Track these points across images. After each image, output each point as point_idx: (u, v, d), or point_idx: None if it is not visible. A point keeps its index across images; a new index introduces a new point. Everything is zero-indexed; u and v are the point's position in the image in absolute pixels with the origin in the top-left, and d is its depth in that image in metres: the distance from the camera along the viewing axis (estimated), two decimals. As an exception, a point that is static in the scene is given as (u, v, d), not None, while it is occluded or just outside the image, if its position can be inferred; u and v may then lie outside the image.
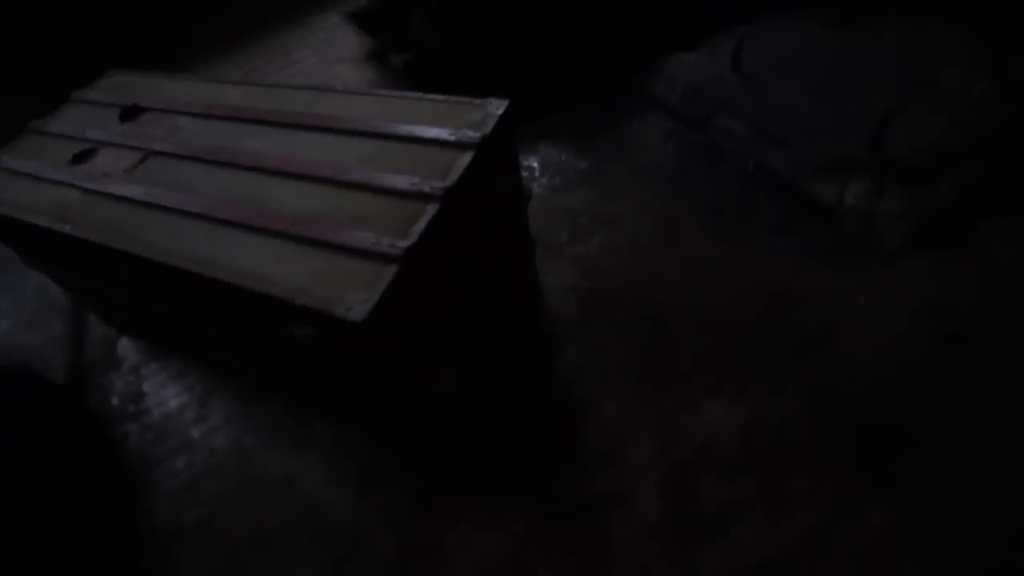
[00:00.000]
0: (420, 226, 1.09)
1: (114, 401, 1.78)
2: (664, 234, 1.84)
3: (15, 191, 1.44)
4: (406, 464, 1.52)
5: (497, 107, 1.28)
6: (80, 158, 1.48)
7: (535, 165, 2.14)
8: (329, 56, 2.93)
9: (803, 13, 2.30)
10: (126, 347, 1.90)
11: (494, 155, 1.27)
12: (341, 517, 1.47)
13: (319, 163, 1.26)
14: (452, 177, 1.15)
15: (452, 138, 1.22)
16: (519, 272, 1.66)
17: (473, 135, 1.21)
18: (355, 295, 1.01)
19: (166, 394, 1.78)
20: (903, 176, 1.76)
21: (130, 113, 1.59)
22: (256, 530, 1.48)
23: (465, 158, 1.19)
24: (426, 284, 1.15)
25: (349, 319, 0.98)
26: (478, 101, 1.30)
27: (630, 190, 1.98)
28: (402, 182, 1.16)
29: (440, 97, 1.35)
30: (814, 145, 1.87)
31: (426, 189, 1.13)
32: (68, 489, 1.56)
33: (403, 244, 1.05)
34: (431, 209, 1.11)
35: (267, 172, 1.28)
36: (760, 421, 1.44)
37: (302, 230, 1.13)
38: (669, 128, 2.14)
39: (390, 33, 2.81)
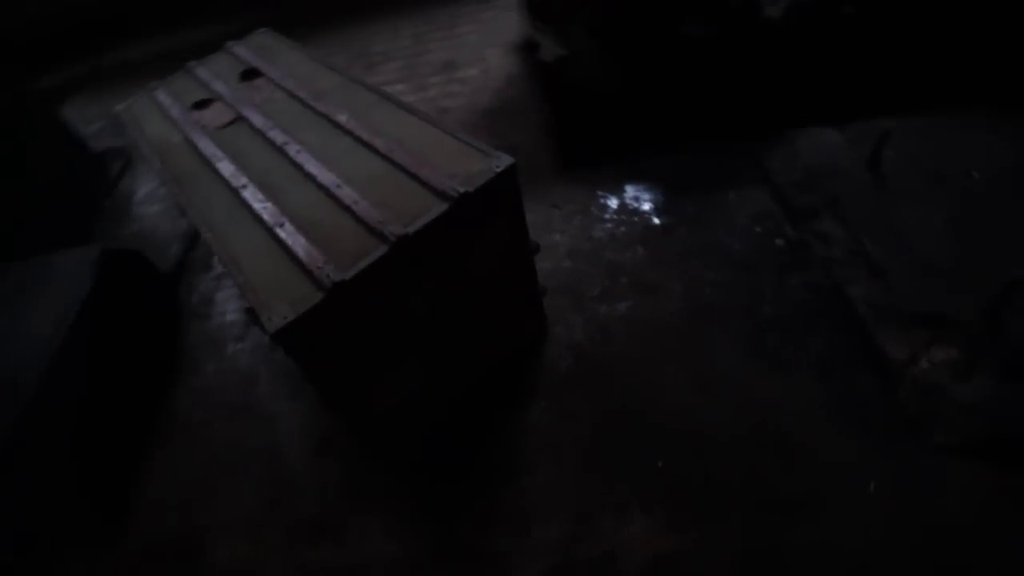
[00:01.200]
0: (361, 265, 1.16)
1: (193, 299, 2.17)
2: (695, 326, 1.69)
3: (150, 122, 1.79)
4: (352, 446, 1.67)
5: (499, 164, 1.27)
6: (198, 105, 1.78)
7: (610, 205, 2.06)
8: (488, 36, 3.03)
9: (978, 114, 1.84)
10: (220, 257, 2.30)
11: (481, 208, 1.28)
12: (293, 466, 1.68)
13: (330, 171, 1.37)
14: (414, 225, 1.20)
15: (438, 186, 1.25)
16: (511, 316, 1.66)
17: (456, 189, 1.23)
18: (280, 308, 1.13)
19: (228, 307, 2.12)
20: (1008, 365, 1.40)
21: (247, 75, 1.85)
22: (232, 447, 1.75)
23: (437, 209, 1.22)
24: (366, 314, 1.24)
25: (266, 327, 1.11)
26: (490, 153, 1.31)
27: (686, 265, 1.83)
28: (373, 216, 1.23)
29: (464, 137, 1.38)
30: (915, 287, 1.55)
31: (385, 231, 1.19)
32: (139, 354, 1.96)
33: (336, 278, 1.14)
34: (379, 251, 1.18)
35: (292, 166, 1.43)
36: (677, 560, 1.33)
37: (280, 232, 1.27)
38: (765, 210, 1.91)
39: (552, 27, 2.81)
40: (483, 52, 2.94)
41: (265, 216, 1.32)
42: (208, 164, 1.53)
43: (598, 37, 2.42)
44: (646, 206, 2.03)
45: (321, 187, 1.35)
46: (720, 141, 2.13)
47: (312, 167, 1.40)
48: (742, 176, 2.01)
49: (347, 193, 1.30)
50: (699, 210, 1.97)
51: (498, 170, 1.26)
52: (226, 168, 1.48)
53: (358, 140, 1.44)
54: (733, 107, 2.17)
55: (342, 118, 1.52)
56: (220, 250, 1.29)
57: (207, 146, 1.58)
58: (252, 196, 1.38)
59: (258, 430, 1.77)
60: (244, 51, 1.97)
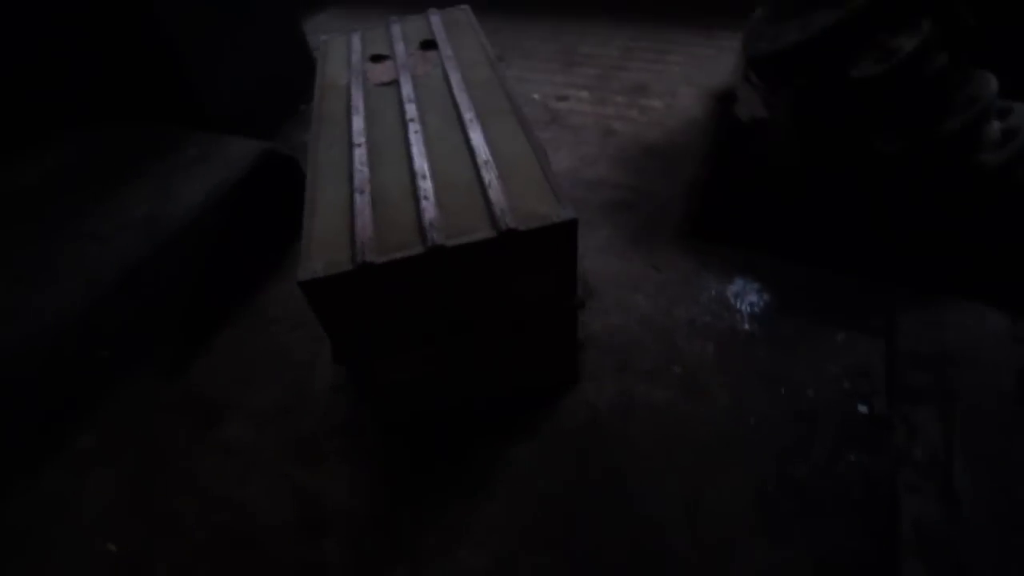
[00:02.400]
0: (394, 256, 1.24)
1: (321, 214, 2.46)
2: (719, 450, 1.55)
3: (333, 60, 2.02)
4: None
5: (559, 216, 1.27)
6: (375, 59, 1.98)
7: (710, 290, 1.93)
8: (693, 73, 2.91)
9: None
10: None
11: (528, 250, 1.30)
12: (315, 387, 1.87)
13: (426, 160, 1.46)
14: (454, 240, 1.24)
15: (496, 214, 1.27)
16: (539, 356, 1.65)
17: (506, 223, 1.25)
18: (316, 263, 1.26)
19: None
20: None
21: (426, 45, 2.00)
22: (282, 350, 1.99)
23: (481, 235, 1.25)
24: (389, 299, 1.33)
25: (298, 273, 1.25)
26: (562, 202, 1.30)
27: (749, 385, 1.67)
28: (429, 216, 1.29)
29: (551, 178, 1.37)
30: (978, 543, 1.27)
31: (428, 235, 1.25)
32: (259, 242, 2.29)
33: (368, 259, 1.23)
34: (415, 250, 1.24)
35: (403, 142, 1.55)
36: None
37: (357, 198, 1.39)
38: (865, 367, 1.65)
39: (761, 86, 2.63)
40: (678, 87, 2.83)
41: (356, 178, 1.45)
42: (347, 114, 1.70)
43: (802, 118, 2.23)
44: (744, 307, 1.87)
45: (411, 172, 1.45)
46: (866, 270, 1.87)
47: (416, 150, 1.50)
48: (864, 319, 1.76)
49: (426, 186, 1.39)
50: (795, 335, 1.77)
51: (555, 220, 1.26)
52: (357, 124, 1.64)
53: (466, 141, 1.51)
54: (899, 242, 1.89)
55: (468, 116, 1.60)
56: (310, 190, 1.46)
57: (357, 98, 1.76)
58: (359, 156, 1.52)
59: (308, 347, 1.98)
60: (436, 21, 2.13)
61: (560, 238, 1.29)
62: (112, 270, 1.91)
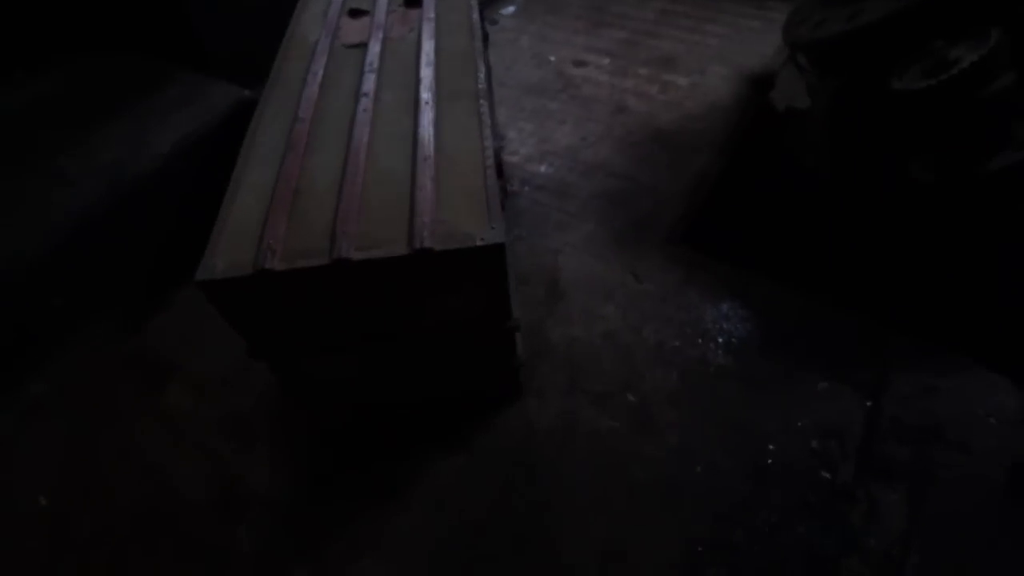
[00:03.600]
0: (296, 264, 1.12)
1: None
2: (654, 496, 1.43)
3: (311, 11, 1.84)
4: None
5: (483, 239, 1.11)
6: (353, 13, 1.79)
7: (689, 310, 1.74)
8: (729, 50, 2.58)
9: None
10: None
11: (446, 270, 1.15)
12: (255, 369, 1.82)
13: (363, 149, 1.30)
14: (361, 254, 1.11)
15: (415, 228, 1.13)
16: (473, 370, 1.53)
17: (421, 241, 1.10)
18: (216, 261, 1.15)
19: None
20: None
21: (410, 1, 1.79)
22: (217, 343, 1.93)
23: (393, 250, 1.11)
24: (299, 305, 1.22)
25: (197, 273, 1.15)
26: (494, 222, 1.13)
27: (706, 427, 1.51)
28: (344, 222, 1.16)
29: (491, 189, 1.20)
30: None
31: (337, 245, 1.12)
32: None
33: (267, 264, 1.11)
34: (320, 260, 1.12)
35: (348, 121, 1.39)
36: None
37: (281, 186, 1.26)
38: (840, 427, 1.47)
39: (805, 74, 2.31)
40: (710, 64, 2.52)
41: (286, 161, 1.32)
42: (303, 81, 1.55)
43: (831, 124, 1.95)
44: (723, 336, 1.68)
45: (344, 160, 1.30)
46: (870, 309, 1.65)
47: (357, 133, 1.35)
48: (853, 369, 1.55)
49: (354, 181, 1.24)
50: (772, 377, 1.58)
51: (477, 244, 1.10)
52: (308, 94, 1.49)
53: (414, 129, 1.34)
54: (916, 282, 1.65)
55: (425, 96, 1.42)
56: (238, 169, 1.33)
57: (318, 62, 1.59)
58: (298, 133, 1.38)
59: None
60: (427, -26, 1.90)
61: (484, 262, 1.14)
62: (71, 216, 1.86)
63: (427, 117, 1.36)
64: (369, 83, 1.48)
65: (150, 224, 2.00)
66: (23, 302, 1.81)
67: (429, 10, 1.73)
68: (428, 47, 1.58)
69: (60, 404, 1.80)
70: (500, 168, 1.32)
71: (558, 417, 1.57)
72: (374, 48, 1.60)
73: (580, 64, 2.63)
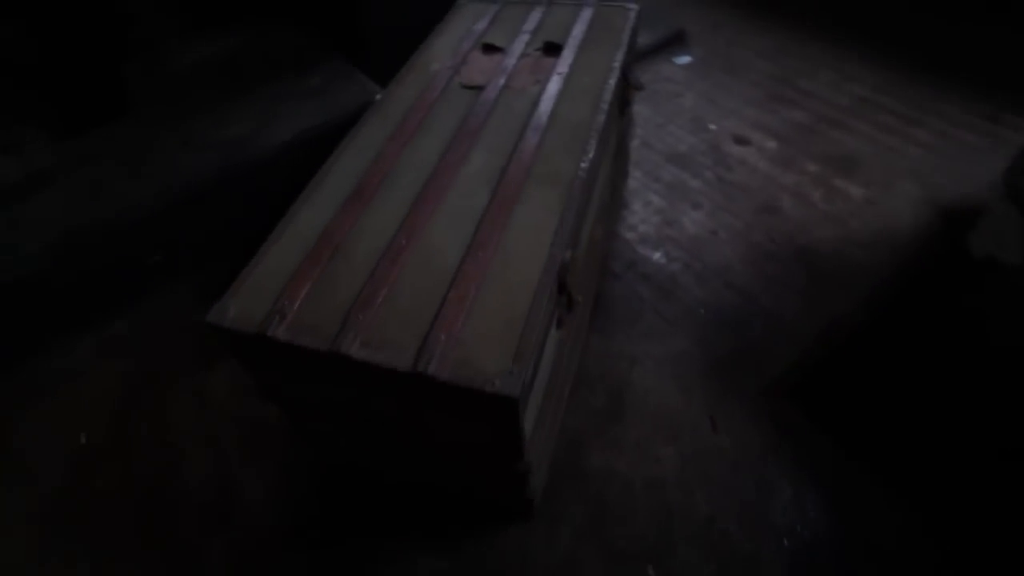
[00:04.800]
0: (296, 340, 1.01)
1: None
2: None
3: (447, 36, 1.73)
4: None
5: (496, 385, 0.91)
6: (485, 48, 1.64)
7: (757, 489, 1.41)
8: (930, 165, 2.08)
9: None
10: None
11: (450, 399, 0.97)
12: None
13: (421, 226, 1.16)
14: (361, 353, 0.96)
15: (429, 342, 0.96)
16: (479, 487, 1.34)
17: (425, 363, 0.93)
18: (230, 305, 1.07)
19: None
20: None
21: (549, 48, 1.61)
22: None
23: (395, 361, 0.95)
24: (302, 372, 1.11)
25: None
26: (522, 359, 0.94)
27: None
28: (363, 306, 1.03)
29: (535, 308, 1.00)
30: None
31: (341, 335, 0.99)
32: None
33: (270, 331, 1.01)
34: (322, 344, 0.99)
35: (418, 186, 1.25)
36: None
37: (321, 243, 1.16)
38: None
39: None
40: (899, 179, 2.06)
41: (343, 210, 1.21)
42: (404, 115, 1.43)
43: None
44: (788, 539, 1.33)
45: (401, 224, 1.16)
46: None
47: (426, 195, 1.21)
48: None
49: (396, 257, 1.10)
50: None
51: (484, 388, 0.91)
52: (400, 133, 1.38)
53: (478, 219, 1.17)
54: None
55: (510, 176, 1.24)
56: (299, 201, 1.26)
57: (428, 97, 1.48)
58: (370, 177, 1.27)
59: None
60: (585, 17, 1.71)
61: (492, 407, 0.95)
62: (182, 182, 1.94)
63: (498, 206, 1.18)
64: (464, 139, 1.33)
65: (247, 208, 2.04)
66: (125, 252, 1.92)
67: (565, 62, 1.54)
68: (544, 109, 1.39)
69: (131, 350, 1.90)
70: (563, 284, 1.11)
71: (562, 561, 1.34)
72: (488, 96, 1.45)
73: (741, 141, 2.28)
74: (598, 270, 1.75)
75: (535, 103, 1.41)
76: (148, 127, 2.12)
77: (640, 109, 2.43)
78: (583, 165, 1.25)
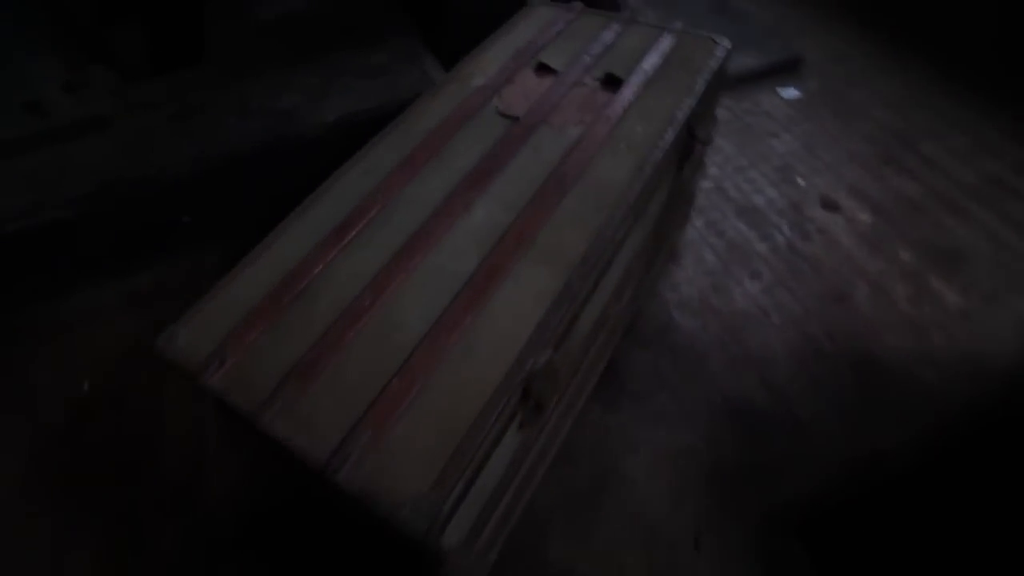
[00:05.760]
0: (226, 396, 0.92)
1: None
2: None
3: (503, 44, 1.55)
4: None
5: (397, 513, 0.79)
6: (539, 69, 1.46)
7: None
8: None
9: None
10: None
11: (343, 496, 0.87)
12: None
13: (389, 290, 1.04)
14: (266, 418, 0.87)
15: (335, 432, 0.85)
16: None
17: (314, 450, 0.82)
18: (183, 333, 1.01)
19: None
20: None
21: (609, 80, 1.40)
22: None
23: (296, 445, 0.85)
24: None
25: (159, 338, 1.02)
26: (426, 493, 0.81)
27: None
28: (298, 374, 0.93)
29: (467, 437, 0.86)
30: None
31: (267, 403, 0.90)
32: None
33: (205, 380, 0.94)
34: (241, 405, 0.91)
35: (411, 235, 1.12)
36: None
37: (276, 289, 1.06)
38: None
39: None
40: (1012, 295, 1.71)
41: (321, 246, 1.10)
42: (424, 139, 1.29)
43: None
44: None
45: (373, 278, 1.04)
46: None
47: (412, 244, 1.08)
48: None
49: (354, 318, 0.99)
50: None
51: (389, 514, 0.79)
52: (412, 161, 1.24)
53: (467, 279, 1.02)
54: None
55: (508, 244, 1.08)
56: (288, 219, 1.16)
57: (457, 121, 1.33)
58: (358, 212, 1.15)
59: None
60: (663, 47, 1.49)
61: (397, 534, 0.83)
62: (226, 151, 1.90)
63: (486, 278, 1.03)
64: (474, 182, 1.18)
65: (283, 183, 1.99)
66: (159, 209, 1.93)
67: (621, 101, 1.34)
68: (576, 160, 1.21)
69: (152, 303, 1.92)
70: (528, 392, 0.96)
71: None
72: (520, 131, 1.28)
73: (830, 206, 1.97)
74: (618, 334, 1.57)
75: (568, 151, 1.23)
76: (208, 82, 2.09)
77: (721, 144, 2.16)
78: (597, 243, 1.07)
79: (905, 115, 2.25)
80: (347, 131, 1.92)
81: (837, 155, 2.11)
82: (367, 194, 1.18)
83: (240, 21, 2.37)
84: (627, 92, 1.37)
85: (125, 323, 1.88)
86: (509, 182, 1.18)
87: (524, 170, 1.20)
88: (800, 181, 2.04)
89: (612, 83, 1.40)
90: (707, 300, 1.72)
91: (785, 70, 2.42)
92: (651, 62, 1.45)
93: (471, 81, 1.44)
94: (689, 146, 1.42)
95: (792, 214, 1.94)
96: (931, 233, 1.87)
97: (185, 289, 1.91)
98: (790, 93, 2.34)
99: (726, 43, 1.51)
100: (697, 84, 1.39)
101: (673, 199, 1.54)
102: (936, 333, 1.63)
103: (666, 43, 1.50)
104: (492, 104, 1.36)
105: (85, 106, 2.01)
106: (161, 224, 1.97)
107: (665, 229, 1.62)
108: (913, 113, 2.26)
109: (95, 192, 1.84)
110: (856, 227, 1.89)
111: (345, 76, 2.06)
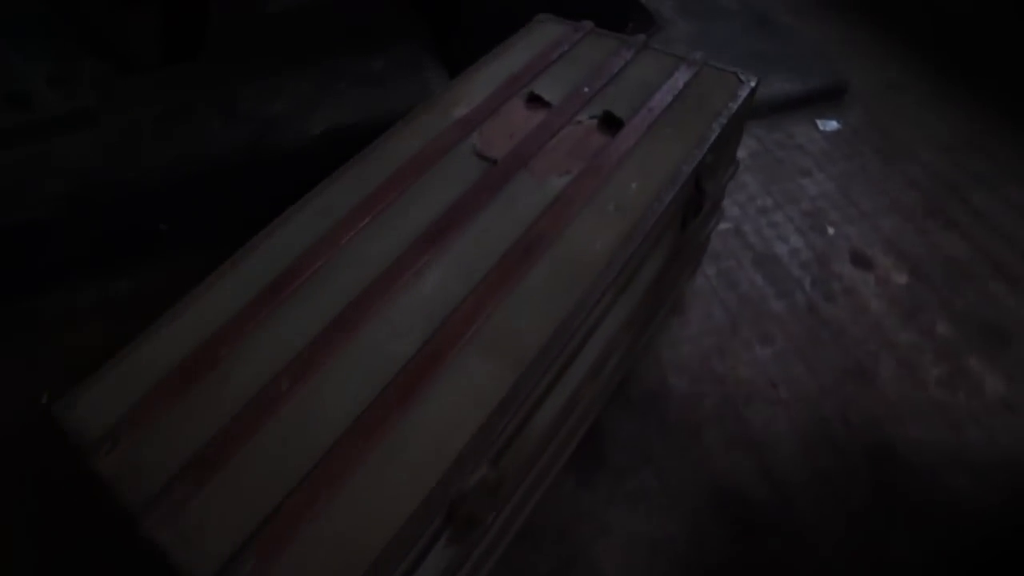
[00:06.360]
0: (109, 483, 0.80)
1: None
2: None
3: (500, 67, 1.38)
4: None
5: None
6: (530, 100, 1.28)
7: None
8: None
9: None
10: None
11: None
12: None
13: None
14: (152, 528, 0.74)
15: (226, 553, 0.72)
16: None
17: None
18: (81, 397, 0.89)
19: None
20: None
21: (607, 120, 1.22)
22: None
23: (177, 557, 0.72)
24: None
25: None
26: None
27: None
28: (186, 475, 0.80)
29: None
30: None
31: (143, 513, 0.77)
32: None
33: (91, 458, 0.82)
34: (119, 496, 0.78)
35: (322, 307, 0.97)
36: None
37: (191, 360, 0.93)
38: None
39: None
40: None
41: (249, 308, 0.97)
42: (387, 179, 1.14)
43: None
44: None
45: (295, 357, 0.90)
46: None
47: (346, 317, 0.93)
48: None
49: (268, 408, 0.85)
50: None
51: None
52: (366, 209, 1.09)
53: (399, 364, 0.88)
54: None
55: (453, 329, 0.92)
56: (225, 269, 1.04)
57: (426, 160, 1.17)
58: (294, 271, 1.00)
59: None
60: (678, 81, 1.30)
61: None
62: (204, 159, 1.80)
63: (427, 356, 0.88)
64: (430, 242, 1.02)
65: (265, 196, 1.87)
66: (138, 214, 1.83)
67: (618, 148, 1.16)
68: (549, 222, 1.04)
69: (125, 310, 1.84)
70: (452, 516, 0.81)
71: None
72: (495, 178, 1.12)
73: (861, 262, 1.75)
74: (604, 398, 1.41)
75: (545, 209, 1.06)
76: (200, 80, 1.98)
77: (746, 180, 1.95)
78: (559, 333, 0.91)
79: (958, 159, 2.00)
80: (333, 145, 1.78)
81: (876, 202, 1.88)
82: (312, 244, 1.04)
83: (246, 13, 2.25)
84: (627, 137, 1.19)
85: (97, 329, 1.80)
86: (471, 243, 1.02)
87: (491, 229, 1.04)
88: (830, 229, 1.82)
89: (611, 124, 1.22)
90: (709, 364, 1.54)
91: (826, 98, 2.18)
92: (660, 100, 1.26)
93: (452, 110, 1.28)
94: (696, 201, 1.24)
95: (817, 268, 1.73)
96: (975, 303, 1.64)
97: (163, 296, 1.84)
98: (830, 125, 2.11)
99: (752, 81, 1.31)
100: (712, 131, 1.20)
101: (677, 255, 1.36)
102: (971, 427, 1.42)
103: (682, 77, 1.31)
104: (471, 141, 1.20)
105: (72, 100, 1.91)
106: (140, 230, 1.88)
107: (667, 285, 1.44)
108: (968, 158, 2.00)
109: (73, 193, 1.75)
110: (889, 289, 1.67)
111: (340, 83, 1.92)
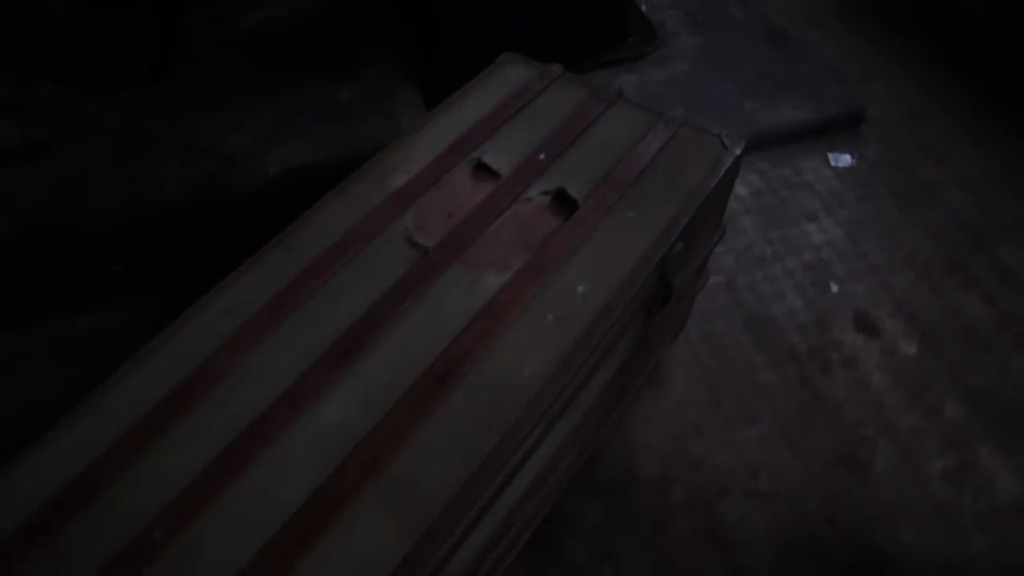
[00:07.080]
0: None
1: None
2: None
3: (449, 123, 1.23)
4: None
5: None
6: (478, 168, 1.14)
7: None
8: None
9: None
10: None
11: None
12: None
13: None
14: None
15: None
16: None
17: None
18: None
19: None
20: None
21: (561, 199, 1.08)
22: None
23: None
24: None
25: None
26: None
27: None
28: None
29: None
30: None
31: None
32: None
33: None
34: None
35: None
36: None
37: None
38: None
39: None
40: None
41: (163, 405, 0.86)
42: (311, 263, 1.02)
43: None
44: None
45: (168, 504, 0.80)
46: None
47: (219, 475, 0.82)
48: None
49: (139, 567, 0.76)
50: None
51: None
52: (281, 302, 0.97)
53: (285, 515, 0.77)
54: None
55: (356, 457, 0.81)
56: (134, 361, 0.93)
57: (351, 242, 1.04)
58: (175, 393, 0.90)
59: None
60: (651, 147, 1.15)
61: None
62: (157, 200, 1.70)
63: (317, 508, 0.77)
64: (336, 358, 0.90)
65: (221, 237, 1.77)
66: (91, 254, 1.75)
67: (567, 238, 1.02)
68: (473, 337, 0.91)
69: (81, 353, 1.77)
70: None
71: None
72: (423, 272, 0.99)
73: (866, 327, 1.57)
74: (561, 488, 1.29)
75: (472, 319, 0.93)
76: (161, 108, 1.87)
77: (744, 225, 1.77)
78: (473, 483, 0.78)
79: (988, 205, 1.78)
80: (290, 188, 1.66)
81: (888, 254, 1.69)
82: (210, 354, 0.93)
83: (220, 29, 2.13)
84: (581, 222, 1.04)
85: (51, 373, 1.73)
86: (383, 361, 0.90)
87: (409, 343, 0.91)
88: (834, 287, 1.64)
89: (566, 205, 1.08)
90: (683, 447, 1.40)
91: (841, 127, 1.97)
92: (626, 172, 1.11)
93: (391, 178, 1.14)
94: (662, 294, 1.09)
95: (816, 334, 1.56)
96: (994, 380, 1.46)
97: (119, 339, 1.77)
98: (842, 160, 1.90)
99: (738, 146, 1.14)
100: (683, 213, 1.05)
101: (646, 340, 1.22)
102: (975, 534, 1.26)
103: (656, 141, 1.15)
104: (404, 221, 1.07)
105: (23, 131, 1.83)
106: (94, 271, 1.80)
107: (637, 367, 1.30)
108: (999, 203, 1.78)
109: (20, 232, 1.67)
110: (894, 361, 1.50)
111: (305, 115, 1.79)
